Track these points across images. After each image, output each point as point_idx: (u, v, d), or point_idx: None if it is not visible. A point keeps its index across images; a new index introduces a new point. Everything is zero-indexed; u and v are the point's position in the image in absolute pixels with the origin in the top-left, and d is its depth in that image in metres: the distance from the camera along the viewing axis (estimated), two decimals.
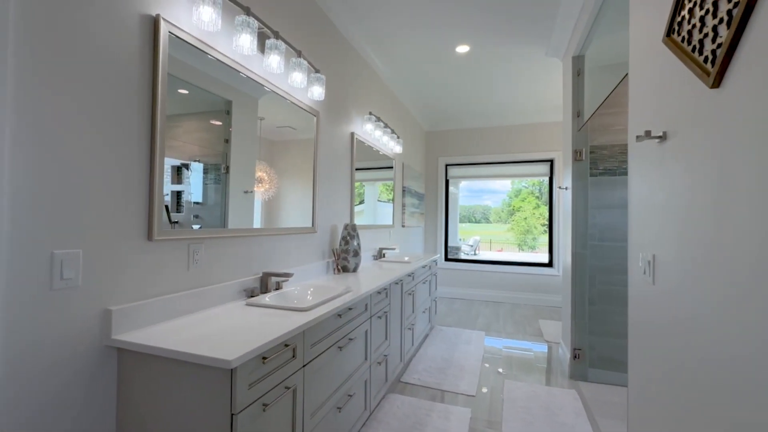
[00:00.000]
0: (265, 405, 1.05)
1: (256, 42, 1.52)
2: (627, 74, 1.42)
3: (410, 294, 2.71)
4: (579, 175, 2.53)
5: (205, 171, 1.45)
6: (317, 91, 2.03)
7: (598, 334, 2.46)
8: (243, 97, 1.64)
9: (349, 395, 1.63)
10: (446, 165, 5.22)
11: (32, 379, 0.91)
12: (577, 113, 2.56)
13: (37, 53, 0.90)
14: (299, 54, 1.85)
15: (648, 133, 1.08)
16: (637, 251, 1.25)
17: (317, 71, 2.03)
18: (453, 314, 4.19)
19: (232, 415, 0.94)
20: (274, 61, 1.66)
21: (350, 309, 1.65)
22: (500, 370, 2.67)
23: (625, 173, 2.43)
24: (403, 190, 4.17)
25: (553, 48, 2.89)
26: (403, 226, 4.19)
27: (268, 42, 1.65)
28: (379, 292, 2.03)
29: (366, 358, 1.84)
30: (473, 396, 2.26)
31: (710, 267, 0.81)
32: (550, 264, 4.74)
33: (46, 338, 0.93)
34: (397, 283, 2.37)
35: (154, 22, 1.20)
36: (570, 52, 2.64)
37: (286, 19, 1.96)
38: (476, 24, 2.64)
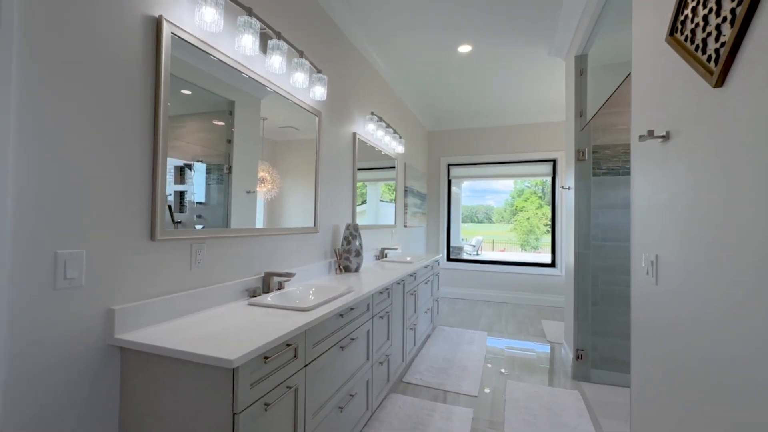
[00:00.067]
0: (266, 404, 1.05)
1: (258, 42, 1.52)
2: (630, 73, 1.41)
3: (412, 294, 2.71)
4: (582, 175, 2.52)
5: (208, 171, 1.45)
6: (319, 92, 2.03)
7: (601, 335, 2.45)
8: (245, 98, 1.64)
9: (350, 395, 1.63)
10: (448, 165, 5.21)
11: (36, 378, 0.92)
12: (580, 113, 2.55)
13: (40, 54, 0.90)
14: (301, 54, 1.86)
15: (651, 133, 1.07)
16: (640, 251, 1.24)
17: (319, 71, 2.04)
18: (455, 314, 4.19)
19: (234, 414, 0.94)
20: (276, 61, 1.66)
21: (352, 309, 1.65)
22: (503, 370, 2.66)
23: (628, 173, 2.42)
24: (405, 190, 4.17)
25: (555, 47, 2.88)
26: (405, 226, 4.18)
27: (270, 42, 1.65)
28: (381, 292, 2.03)
29: (368, 358, 1.84)
30: (475, 396, 2.25)
31: (713, 267, 0.80)
32: (552, 264, 4.73)
33: (49, 337, 0.94)
34: (399, 283, 2.37)
35: (157, 23, 1.20)
36: (573, 52, 2.63)
37: (288, 20, 1.96)
38: (478, 24, 2.64)
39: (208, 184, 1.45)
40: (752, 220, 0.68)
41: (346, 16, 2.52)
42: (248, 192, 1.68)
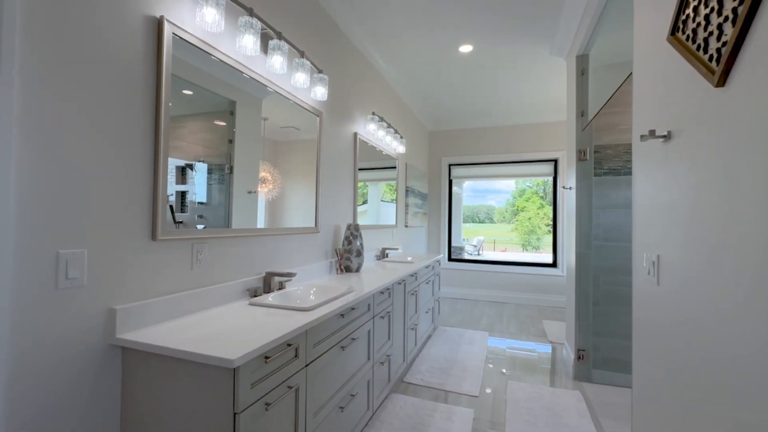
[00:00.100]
0: (267, 404, 1.05)
1: (259, 43, 1.52)
2: (631, 73, 1.41)
3: (413, 294, 2.71)
4: (583, 175, 2.51)
5: (209, 171, 1.45)
6: (320, 92, 2.03)
7: (603, 335, 2.44)
8: (247, 98, 1.64)
9: (351, 395, 1.63)
10: (450, 165, 5.20)
11: (37, 377, 0.92)
12: (582, 112, 2.55)
13: (41, 55, 0.91)
14: (302, 54, 1.86)
15: (652, 133, 1.07)
16: (642, 251, 1.24)
17: (320, 71, 2.04)
18: (456, 314, 4.18)
19: (235, 414, 0.95)
20: (277, 61, 1.66)
21: (353, 309, 1.65)
22: (504, 370, 2.66)
23: (630, 173, 2.41)
24: (407, 190, 4.17)
25: (557, 47, 2.87)
26: (406, 226, 4.18)
27: (271, 43, 1.65)
28: (381, 292, 2.03)
29: (369, 358, 1.84)
30: (476, 396, 2.25)
31: (715, 267, 0.80)
32: (554, 264, 4.72)
33: (51, 337, 0.94)
34: (399, 283, 2.37)
35: (158, 24, 1.21)
36: (574, 51, 2.63)
37: (289, 20, 1.97)
38: (479, 23, 2.63)
39: (209, 184, 1.45)
40: (753, 221, 0.67)
41: (347, 15, 2.52)
42: (249, 192, 1.68)
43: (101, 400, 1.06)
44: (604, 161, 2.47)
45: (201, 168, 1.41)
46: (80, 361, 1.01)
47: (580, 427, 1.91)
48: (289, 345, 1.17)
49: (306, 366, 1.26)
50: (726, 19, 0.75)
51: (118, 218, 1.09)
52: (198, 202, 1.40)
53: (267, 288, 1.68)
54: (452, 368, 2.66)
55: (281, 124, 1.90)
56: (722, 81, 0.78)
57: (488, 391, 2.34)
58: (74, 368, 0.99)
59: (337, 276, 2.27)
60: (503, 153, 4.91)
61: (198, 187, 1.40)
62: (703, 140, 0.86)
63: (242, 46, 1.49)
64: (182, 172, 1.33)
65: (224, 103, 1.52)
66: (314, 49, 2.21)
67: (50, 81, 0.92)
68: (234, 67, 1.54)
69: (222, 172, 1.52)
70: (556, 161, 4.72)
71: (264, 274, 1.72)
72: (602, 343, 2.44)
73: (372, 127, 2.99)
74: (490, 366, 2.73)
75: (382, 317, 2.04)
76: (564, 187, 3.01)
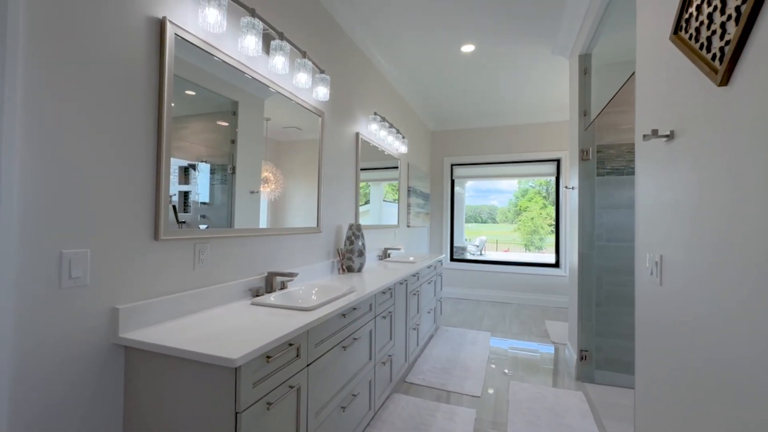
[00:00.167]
0: (269, 404, 1.06)
1: (261, 43, 1.53)
2: (634, 72, 1.40)
3: (415, 294, 2.70)
4: (586, 175, 2.50)
5: (212, 171, 1.46)
6: (322, 92, 2.04)
7: (605, 336, 2.43)
8: (249, 98, 1.65)
9: (353, 395, 1.63)
10: (452, 165, 5.20)
11: (41, 377, 0.93)
12: (584, 112, 2.54)
13: (45, 56, 0.91)
14: (304, 55, 1.86)
15: (655, 132, 1.06)
16: (644, 252, 1.23)
17: (322, 72, 2.04)
18: (458, 315, 4.18)
19: (237, 413, 0.95)
20: (279, 62, 1.67)
21: (354, 309, 1.65)
22: (506, 371, 2.65)
23: (633, 173, 2.40)
24: (409, 190, 4.17)
25: (559, 46, 2.87)
26: (408, 226, 4.18)
27: (273, 43, 1.66)
28: (383, 292, 2.03)
29: (370, 358, 1.84)
30: (478, 397, 2.25)
31: (718, 267, 0.80)
32: (556, 264, 4.70)
33: (54, 336, 0.95)
34: (401, 283, 2.37)
35: (161, 25, 1.21)
36: (576, 51, 2.62)
37: (291, 20, 1.97)
38: (481, 23, 2.63)
39: (212, 185, 1.46)
40: (757, 221, 0.67)
41: (349, 15, 2.52)
42: (252, 192, 1.69)
43: (104, 400, 1.06)
44: (607, 161, 2.46)
45: (204, 168, 1.42)
46: (83, 361, 1.01)
47: (583, 428, 1.91)
48: (290, 345, 1.17)
49: (307, 366, 1.27)
50: (729, 17, 0.75)
51: (120, 218, 1.10)
52: (201, 202, 1.40)
53: (269, 288, 1.69)
54: (454, 368, 2.65)
55: (283, 125, 1.91)
56: (725, 80, 0.77)
57: (490, 391, 2.33)
58: (77, 368, 1.00)
59: (339, 276, 2.28)
60: (506, 153, 4.89)
61: (201, 188, 1.40)
62: (706, 139, 0.86)
63: (244, 47, 1.49)
64: (185, 173, 1.33)
65: (227, 104, 1.53)
66: (316, 49, 2.22)
67: (53, 82, 0.93)
68: (236, 68, 1.54)
69: (225, 173, 1.52)
70: (558, 161, 4.71)
71: (266, 274, 1.72)
72: (605, 343, 2.43)
73: (374, 127, 2.99)
74: (493, 366, 2.73)
75: (384, 317, 2.04)
76: (566, 187, 3.00)
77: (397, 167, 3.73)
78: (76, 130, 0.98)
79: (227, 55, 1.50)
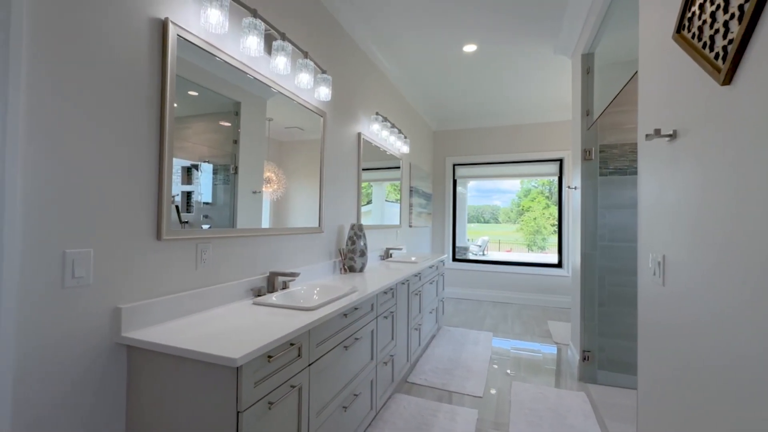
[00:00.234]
0: (270, 403, 1.06)
1: (263, 44, 1.53)
2: (636, 72, 1.39)
3: (417, 294, 2.70)
4: (588, 175, 2.49)
5: (215, 172, 1.47)
6: (324, 92, 2.04)
7: (608, 336, 2.42)
8: (251, 99, 1.65)
9: (354, 395, 1.63)
10: (454, 165, 5.19)
11: (44, 376, 0.93)
12: (587, 112, 2.53)
13: (47, 57, 0.92)
14: (306, 55, 1.87)
15: (658, 132, 1.06)
16: (647, 252, 1.23)
17: (324, 72, 2.04)
18: (460, 315, 4.17)
19: (238, 412, 0.95)
20: (280, 62, 1.67)
21: (356, 309, 1.65)
22: (508, 371, 2.64)
23: (636, 172, 2.38)
24: (411, 190, 4.17)
25: (561, 46, 2.86)
26: (410, 226, 4.18)
27: (274, 44, 1.66)
28: (385, 292, 2.03)
29: (372, 358, 1.84)
30: (480, 397, 2.24)
31: (722, 267, 0.79)
32: (559, 265, 4.69)
33: (58, 336, 0.95)
34: (403, 284, 2.37)
35: (163, 25, 1.22)
36: (579, 50, 2.61)
37: (292, 21, 1.97)
38: (483, 23, 2.63)
39: (214, 185, 1.46)
40: (761, 221, 0.66)
41: (350, 15, 2.52)
42: (254, 192, 1.69)
43: (107, 399, 1.07)
44: (610, 161, 2.45)
45: (206, 168, 1.42)
46: (86, 360, 1.02)
47: (585, 429, 1.90)
48: (292, 344, 1.17)
49: (309, 365, 1.27)
50: (732, 16, 0.75)
51: (123, 218, 1.10)
52: (203, 203, 1.41)
53: (271, 288, 1.69)
54: (456, 369, 2.65)
55: (286, 125, 1.91)
56: (728, 79, 0.77)
57: (492, 391, 2.33)
58: (80, 367, 1.01)
59: (341, 276, 2.28)
60: (508, 153, 4.88)
61: (203, 188, 1.41)
62: (709, 139, 0.85)
63: (246, 47, 1.50)
64: (188, 173, 1.34)
65: (229, 104, 1.53)
66: (318, 49, 2.22)
67: (56, 83, 0.94)
68: (238, 68, 1.55)
69: (227, 173, 1.53)
70: (561, 161, 4.69)
71: (268, 274, 1.73)
72: (607, 344, 2.42)
73: (376, 127, 2.99)
74: (495, 367, 2.72)
75: (386, 317, 2.04)
76: (569, 187, 2.99)
77: (399, 167, 3.73)
78: (79, 130, 0.99)
79: (229, 55, 1.50)
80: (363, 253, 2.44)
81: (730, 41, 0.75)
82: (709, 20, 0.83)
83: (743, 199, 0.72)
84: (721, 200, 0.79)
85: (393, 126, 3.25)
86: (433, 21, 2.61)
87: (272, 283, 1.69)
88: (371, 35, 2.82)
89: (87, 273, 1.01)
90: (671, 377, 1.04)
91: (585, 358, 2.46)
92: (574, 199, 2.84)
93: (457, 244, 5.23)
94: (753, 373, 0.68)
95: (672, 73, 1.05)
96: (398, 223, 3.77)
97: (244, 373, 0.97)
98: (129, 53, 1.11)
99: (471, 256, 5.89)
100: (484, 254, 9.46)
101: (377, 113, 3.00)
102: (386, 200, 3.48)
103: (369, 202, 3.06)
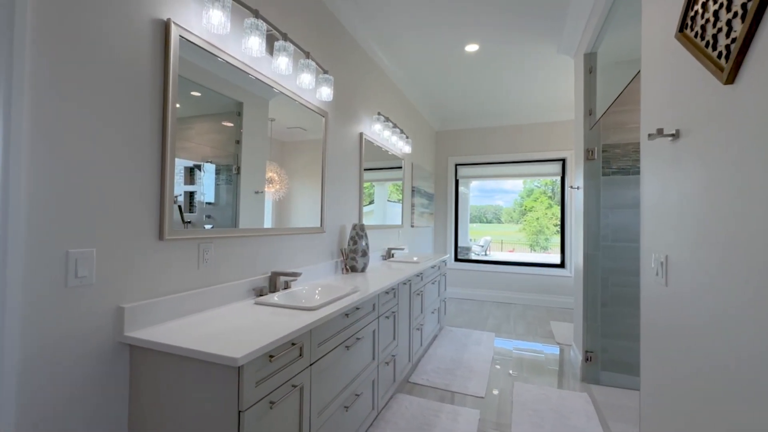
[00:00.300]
0: (272, 403, 1.06)
1: (264, 44, 1.53)
2: (639, 71, 1.39)
3: (419, 294, 2.70)
4: (591, 175, 2.48)
5: (217, 172, 1.47)
6: (325, 92, 2.04)
7: (611, 337, 2.41)
8: (253, 99, 1.66)
9: (356, 394, 1.63)
10: (456, 165, 5.18)
11: (48, 376, 0.94)
12: (589, 111, 2.52)
13: (51, 59, 0.93)
14: (307, 55, 1.87)
15: (660, 131, 1.05)
16: (650, 252, 1.22)
17: (325, 72, 2.05)
18: (463, 315, 4.16)
19: (239, 412, 0.95)
20: (282, 62, 1.67)
21: (357, 309, 1.65)
22: (510, 371, 2.64)
23: (639, 172, 2.37)
24: (413, 190, 4.17)
25: (564, 45, 2.85)
26: (412, 226, 4.18)
27: (276, 44, 1.67)
28: (387, 292, 2.03)
29: (374, 358, 1.84)
30: (482, 397, 2.24)
31: (725, 267, 0.79)
32: (562, 265, 4.67)
33: (61, 335, 0.96)
34: (405, 284, 2.37)
35: (165, 26, 1.22)
36: (582, 49, 2.60)
37: (294, 21, 1.98)
38: (485, 22, 2.62)
39: (217, 185, 1.47)
40: (763, 219, 0.66)
41: (352, 15, 2.52)
42: (257, 192, 1.70)
43: (109, 397, 1.08)
44: (613, 160, 2.44)
45: (209, 168, 1.43)
46: (89, 359, 1.03)
47: (588, 430, 1.89)
48: (293, 344, 1.17)
49: (310, 365, 1.27)
50: (735, 15, 0.74)
51: (126, 218, 1.11)
52: (206, 203, 1.41)
53: (272, 287, 1.70)
54: (458, 369, 2.65)
55: (288, 125, 1.91)
56: (731, 78, 0.76)
57: (495, 392, 2.32)
58: (83, 366, 1.01)
59: (343, 276, 2.28)
60: (510, 152, 4.87)
61: (206, 188, 1.42)
62: (712, 138, 0.85)
63: (248, 48, 1.50)
64: (191, 173, 1.35)
65: (231, 104, 1.54)
66: (319, 49, 2.22)
67: (59, 84, 0.94)
68: (240, 69, 1.55)
69: (230, 173, 1.53)
70: (564, 161, 4.67)
71: (269, 274, 1.73)
72: (610, 344, 2.41)
73: (377, 127, 2.99)
74: (497, 367, 2.72)
75: (387, 317, 2.04)
76: (572, 187, 2.98)
77: (401, 167, 3.73)
78: (82, 130, 1.00)
79: (231, 56, 1.51)
80: (365, 253, 2.44)
81: (733, 40, 0.75)
82: (712, 19, 0.83)
83: (746, 199, 0.71)
84: (724, 200, 0.79)
85: (395, 126, 3.24)
86: (435, 20, 2.61)
87: (274, 283, 1.70)
88: (373, 35, 2.82)
89: (90, 272, 1.01)
90: (674, 378, 1.03)
91: (588, 359, 2.44)
92: (576, 199, 2.83)
93: (460, 244, 5.22)
94: (756, 373, 0.68)
95: (675, 73, 1.04)
96: (400, 223, 3.77)
97: (246, 373, 0.97)
98: (132, 54, 1.12)
99: (473, 257, 5.88)
100: (486, 254, 9.44)
101: (379, 113, 3.00)
102: (388, 200, 3.48)
103: (371, 202, 3.06)
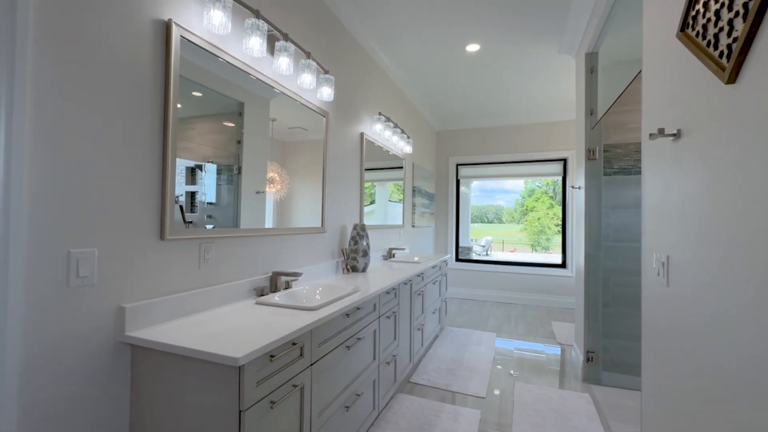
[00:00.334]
0: (272, 402, 1.06)
1: (265, 44, 1.54)
2: (640, 71, 1.38)
3: (420, 294, 2.70)
4: (592, 175, 2.48)
5: (219, 172, 1.47)
6: (326, 92, 2.04)
7: (612, 337, 2.40)
8: (254, 99, 1.66)
9: (357, 394, 1.63)
10: (457, 165, 5.18)
11: (50, 375, 0.94)
12: (591, 111, 2.51)
13: (53, 59, 0.93)
14: (308, 55, 1.87)
15: (662, 131, 1.05)
16: (651, 252, 1.22)
17: (326, 72, 2.05)
18: (464, 315, 4.16)
19: (240, 411, 0.96)
20: (283, 62, 1.68)
21: (358, 309, 1.65)
22: (511, 372, 2.64)
23: (640, 172, 2.37)
24: (414, 190, 4.17)
25: (565, 45, 2.84)
26: (413, 226, 4.18)
27: (277, 44, 1.67)
28: (387, 292, 2.03)
29: (374, 358, 1.84)
30: (483, 398, 2.24)
31: (726, 267, 0.78)
32: (563, 265, 4.66)
33: (62, 335, 0.96)
34: (406, 284, 2.37)
35: (166, 27, 1.23)
36: (583, 49, 2.59)
37: (295, 21, 1.98)
38: (486, 22, 2.62)
39: (218, 185, 1.47)
40: (765, 219, 0.66)
41: (352, 15, 2.53)
42: (258, 192, 1.70)
43: (111, 397, 1.08)
44: (614, 160, 2.44)
45: (210, 169, 1.43)
46: (90, 359, 1.03)
47: (589, 430, 1.89)
48: (294, 344, 1.17)
49: (311, 365, 1.27)
50: (737, 14, 0.74)
51: (127, 218, 1.11)
52: (207, 203, 1.42)
53: (273, 287, 1.70)
54: (459, 369, 2.64)
55: (289, 125, 1.92)
56: (733, 78, 0.76)
57: (495, 392, 2.32)
58: (85, 366, 1.02)
59: (344, 276, 2.28)
60: (511, 152, 4.87)
61: (207, 188, 1.42)
62: (713, 138, 0.84)
63: (249, 48, 1.50)
64: (192, 173, 1.35)
65: (233, 105, 1.54)
66: (320, 49, 2.22)
67: (61, 84, 0.95)
68: (241, 69, 1.55)
69: (231, 173, 1.54)
70: (565, 161, 4.67)
71: (270, 274, 1.74)
72: (612, 344, 2.40)
73: (378, 127, 2.99)
74: (498, 367, 2.71)
75: (388, 317, 2.04)
76: (573, 187, 2.98)
77: (402, 167, 3.73)
78: (83, 130, 1.00)
79: (232, 56, 1.51)
80: (366, 253, 2.45)
81: (735, 39, 0.74)
82: (713, 18, 0.83)
83: (748, 198, 0.71)
84: (726, 199, 0.79)
85: (396, 126, 3.25)
86: (436, 20, 2.61)
87: (275, 282, 1.70)
88: (373, 35, 2.82)
89: (91, 272, 1.02)
90: (676, 378, 1.03)
91: (589, 359, 2.44)
92: (578, 199, 2.83)
93: (461, 244, 5.21)
94: (757, 372, 0.68)
95: (676, 72, 1.04)
96: (401, 223, 3.77)
97: (247, 373, 0.97)
98: (133, 54, 1.12)
99: (474, 257, 5.88)
100: (487, 254, 9.43)
101: (380, 113, 3.00)
102: (389, 200, 3.48)
103: (372, 202, 3.07)
